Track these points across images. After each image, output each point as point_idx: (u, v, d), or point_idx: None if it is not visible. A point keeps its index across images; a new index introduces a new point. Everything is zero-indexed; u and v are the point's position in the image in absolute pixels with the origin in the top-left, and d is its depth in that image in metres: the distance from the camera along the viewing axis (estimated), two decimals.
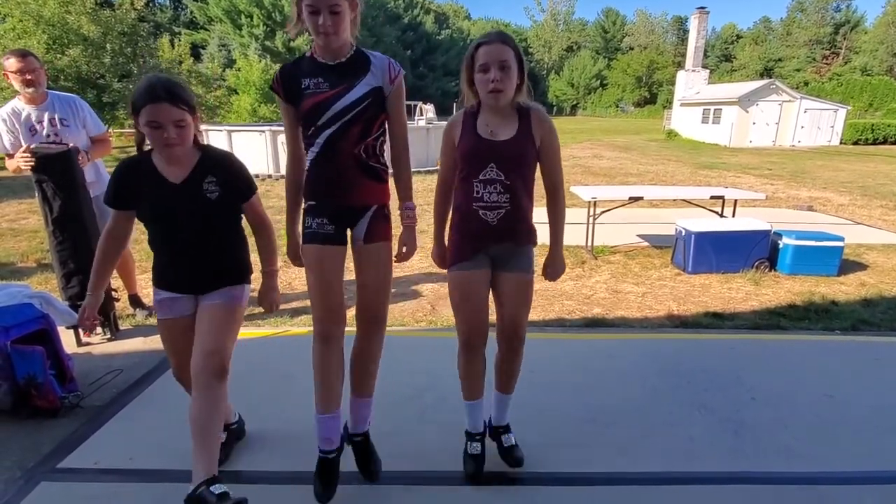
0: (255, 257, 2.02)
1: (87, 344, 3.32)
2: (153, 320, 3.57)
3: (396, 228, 1.96)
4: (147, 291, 3.67)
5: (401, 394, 2.71)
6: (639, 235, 6.41)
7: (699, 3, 33.19)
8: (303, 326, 3.56)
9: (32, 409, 2.49)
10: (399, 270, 4.74)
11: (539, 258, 2.09)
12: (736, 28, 67.70)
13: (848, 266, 5.10)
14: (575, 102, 67.04)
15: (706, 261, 4.91)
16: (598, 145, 21.87)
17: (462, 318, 2.02)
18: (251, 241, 2.05)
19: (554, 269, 2.10)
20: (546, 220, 2.06)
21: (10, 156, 3.07)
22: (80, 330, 3.26)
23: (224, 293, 1.92)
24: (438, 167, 2.14)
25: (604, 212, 5.62)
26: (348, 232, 1.94)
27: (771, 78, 30.77)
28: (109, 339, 3.40)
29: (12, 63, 3.02)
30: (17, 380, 2.45)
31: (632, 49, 67.48)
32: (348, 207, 1.91)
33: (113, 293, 3.52)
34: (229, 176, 1.89)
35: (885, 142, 24.10)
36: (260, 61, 23.41)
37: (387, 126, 1.94)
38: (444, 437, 2.37)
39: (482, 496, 2.03)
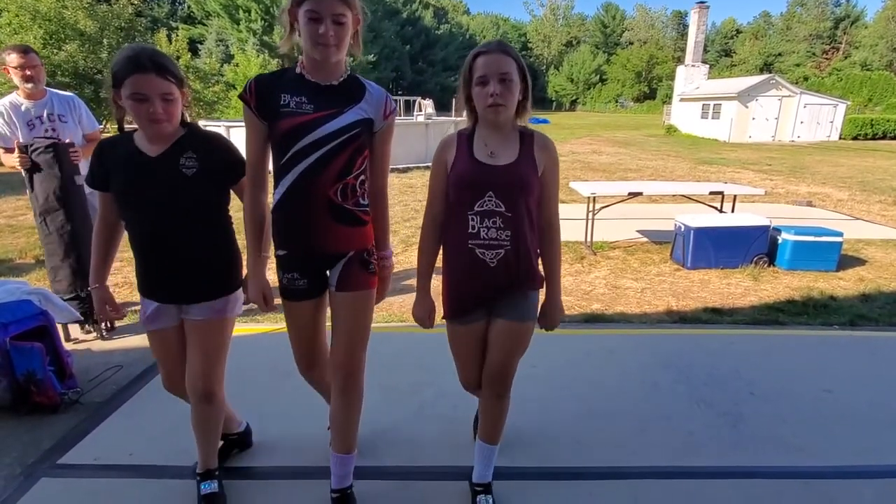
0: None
1: (77, 340, 3.31)
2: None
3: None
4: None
5: (399, 389, 2.71)
6: (638, 231, 6.41)
7: None
8: None
9: (32, 405, 2.49)
10: (399, 266, 4.74)
11: None
12: (736, 23, 67.72)
13: (846, 261, 5.10)
14: (574, 98, 67.01)
15: (705, 256, 4.91)
16: (598, 141, 21.85)
17: (460, 367, 1.90)
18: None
19: (552, 317, 1.82)
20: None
21: (8, 150, 3.07)
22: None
23: (208, 308, 1.77)
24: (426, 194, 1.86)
25: (603, 207, 5.62)
26: (328, 274, 1.76)
27: (771, 73, 30.73)
28: (102, 338, 3.36)
29: (14, 58, 3.05)
30: (17, 376, 2.45)
31: (631, 44, 67.40)
32: (320, 256, 1.71)
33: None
34: (213, 154, 1.71)
35: (884, 137, 24.12)
36: (258, 56, 23.37)
37: (368, 164, 1.71)
38: (442, 432, 2.38)
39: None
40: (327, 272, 1.76)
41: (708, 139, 23.94)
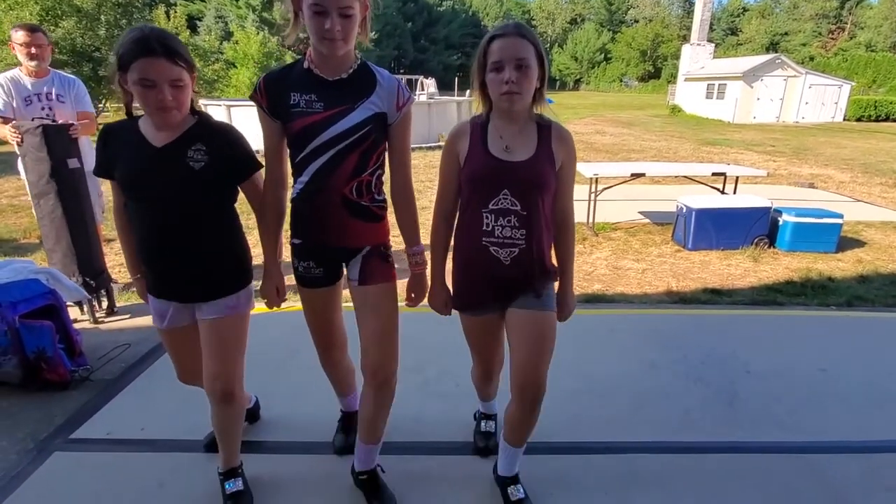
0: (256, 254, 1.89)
1: (75, 321, 3.32)
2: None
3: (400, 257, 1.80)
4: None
5: (403, 366, 2.73)
6: (640, 212, 6.42)
7: None
8: None
9: (43, 382, 2.54)
10: (398, 245, 4.72)
11: None
12: (742, 0, 66.33)
13: (846, 243, 5.13)
14: (578, 77, 66.04)
15: (706, 237, 4.93)
16: (601, 121, 21.66)
17: (476, 354, 1.90)
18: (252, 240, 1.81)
19: (563, 310, 1.76)
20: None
21: (5, 119, 3.11)
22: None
23: (220, 305, 1.70)
24: (437, 179, 1.79)
25: (605, 188, 5.62)
26: (343, 266, 1.75)
27: (777, 52, 30.27)
28: (101, 321, 3.36)
29: (20, 35, 3.12)
30: (27, 354, 2.50)
31: (637, 22, 66.09)
32: (337, 249, 1.69)
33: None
34: (224, 148, 1.62)
35: (887, 119, 23.87)
36: (258, 33, 22.97)
37: (386, 157, 1.66)
38: (445, 409, 2.44)
39: (479, 465, 2.09)
40: (343, 265, 1.74)
41: (712, 119, 23.72)
